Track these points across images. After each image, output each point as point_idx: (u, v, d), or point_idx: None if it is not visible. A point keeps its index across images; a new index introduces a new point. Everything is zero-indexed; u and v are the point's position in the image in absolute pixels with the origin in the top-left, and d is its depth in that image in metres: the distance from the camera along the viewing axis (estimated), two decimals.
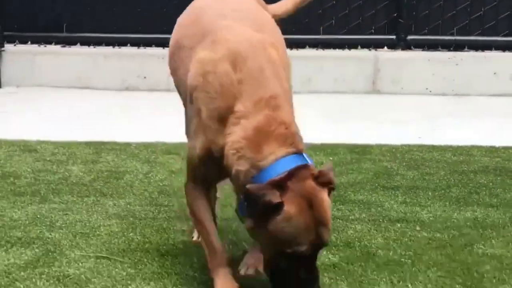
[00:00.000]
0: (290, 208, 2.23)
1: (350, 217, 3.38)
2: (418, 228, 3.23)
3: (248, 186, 2.26)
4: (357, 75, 6.68)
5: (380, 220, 3.33)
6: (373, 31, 6.90)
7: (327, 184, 2.30)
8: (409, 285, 2.63)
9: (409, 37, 6.82)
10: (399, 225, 3.28)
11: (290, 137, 2.34)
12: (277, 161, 2.29)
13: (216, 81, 2.42)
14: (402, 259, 2.87)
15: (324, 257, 2.86)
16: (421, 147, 4.55)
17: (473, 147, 4.71)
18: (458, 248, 3.00)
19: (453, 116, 5.78)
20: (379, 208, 3.50)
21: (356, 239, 3.09)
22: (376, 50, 6.85)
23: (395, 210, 3.48)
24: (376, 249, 2.98)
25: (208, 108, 2.43)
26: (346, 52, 6.84)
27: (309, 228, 2.24)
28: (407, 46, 6.85)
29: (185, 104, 2.71)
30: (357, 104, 6.22)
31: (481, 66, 6.60)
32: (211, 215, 2.63)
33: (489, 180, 3.98)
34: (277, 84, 2.42)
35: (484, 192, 3.77)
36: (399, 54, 6.80)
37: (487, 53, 6.71)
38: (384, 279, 2.67)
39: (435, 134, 5.06)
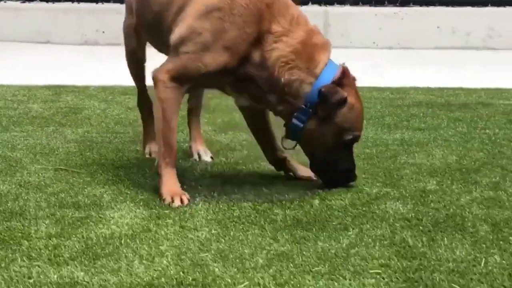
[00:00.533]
0: (351, 99, 2.80)
1: None
2: None
3: (323, 88, 2.73)
4: None
5: None
6: None
7: (355, 79, 2.88)
8: None
9: None
10: None
11: (326, 44, 2.85)
12: (326, 66, 2.79)
13: (250, 5, 2.76)
14: None
15: None
16: (362, 88, 4.85)
17: (410, 88, 5.06)
18: (383, 159, 3.33)
19: (395, 65, 6.12)
20: None
21: None
22: (326, 5, 7.14)
23: None
24: None
25: (240, 30, 2.74)
26: None
27: (362, 114, 2.86)
28: (355, 1, 7.15)
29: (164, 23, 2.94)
30: None
31: (425, 20, 6.92)
32: (177, 116, 2.89)
33: (421, 111, 4.34)
34: (294, 4, 2.87)
35: (414, 120, 4.12)
36: (348, 9, 7.09)
37: (430, 8, 7.04)
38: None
39: (377, 78, 5.39)
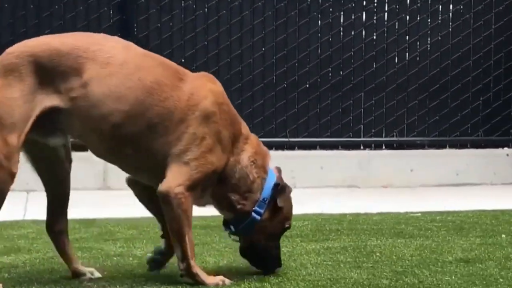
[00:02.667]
0: (288, 190, 3.19)
1: None
2: None
3: (280, 182, 3.14)
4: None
5: None
6: None
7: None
8: None
9: None
10: None
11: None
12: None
13: (230, 111, 3.10)
14: None
15: None
16: None
17: None
18: None
19: None
20: None
21: None
22: None
23: None
24: None
25: (226, 131, 3.04)
26: None
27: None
28: None
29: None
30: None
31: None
32: None
33: None
34: None
35: None
36: None
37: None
38: None
39: None
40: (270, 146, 6.95)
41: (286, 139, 6.93)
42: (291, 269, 3.27)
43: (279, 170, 3.22)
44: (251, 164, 3.08)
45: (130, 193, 3.19)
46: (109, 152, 3.01)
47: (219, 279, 3.01)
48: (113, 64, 2.92)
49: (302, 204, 5.54)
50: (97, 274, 3.12)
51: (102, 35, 3.09)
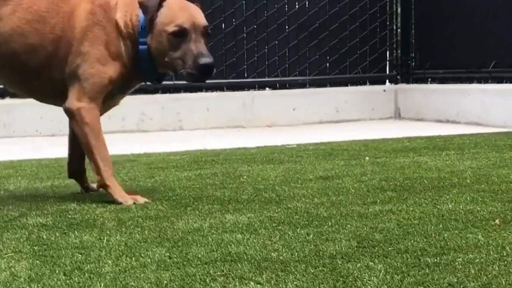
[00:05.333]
0: (169, 1, 3.13)
1: None
2: None
3: (140, 2, 3.09)
4: None
5: None
6: None
7: None
8: None
9: None
10: None
11: None
12: None
13: (105, 14, 3.18)
14: None
15: None
16: None
17: None
18: None
19: None
20: None
21: None
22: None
23: None
24: None
25: (108, 36, 3.15)
26: None
27: (184, 10, 3.12)
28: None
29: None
30: None
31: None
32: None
33: None
34: None
35: None
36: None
37: None
38: None
39: None
40: (156, 89, 7.07)
41: (172, 82, 7.00)
42: (159, 192, 3.39)
43: None
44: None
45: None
46: (20, 86, 3.28)
47: (130, 197, 3.11)
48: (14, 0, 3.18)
49: (186, 142, 5.68)
50: None
51: None
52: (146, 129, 7.05)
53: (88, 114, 3.11)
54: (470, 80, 7.02)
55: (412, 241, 2.33)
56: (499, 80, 6.75)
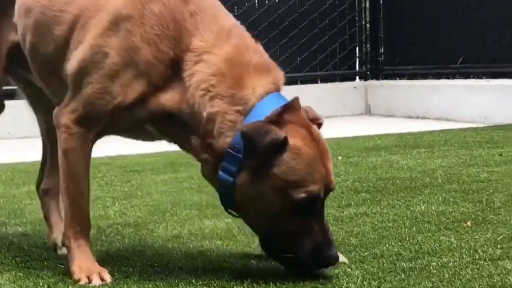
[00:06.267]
0: (295, 141, 1.98)
1: None
2: None
3: (243, 127, 1.97)
4: None
5: None
6: None
7: (315, 120, 2.10)
8: None
9: None
10: None
11: (270, 66, 2.09)
12: (265, 95, 2.03)
13: (165, 14, 2.06)
14: None
15: None
16: None
17: None
18: None
19: None
20: None
21: None
22: None
23: None
24: None
25: (153, 47, 2.05)
26: None
27: (318, 161, 2.01)
28: None
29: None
30: None
31: None
32: (89, 172, 2.20)
33: None
34: (231, 16, 2.17)
35: None
36: None
37: None
38: None
39: None
40: None
41: None
42: (137, 197, 3.43)
43: (287, 105, 2.01)
44: (201, 95, 2.03)
45: None
46: (43, 82, 2.40)
47: (91, 270, 2.11)
48: None
49: (159, 142, 5.70)
50: None
51: None
52: None
53: (70, 139, 2.17)
54: (439, 76, 7.14)
55: (387, 245, 2.39)
56: (467, 76, 6.87)
